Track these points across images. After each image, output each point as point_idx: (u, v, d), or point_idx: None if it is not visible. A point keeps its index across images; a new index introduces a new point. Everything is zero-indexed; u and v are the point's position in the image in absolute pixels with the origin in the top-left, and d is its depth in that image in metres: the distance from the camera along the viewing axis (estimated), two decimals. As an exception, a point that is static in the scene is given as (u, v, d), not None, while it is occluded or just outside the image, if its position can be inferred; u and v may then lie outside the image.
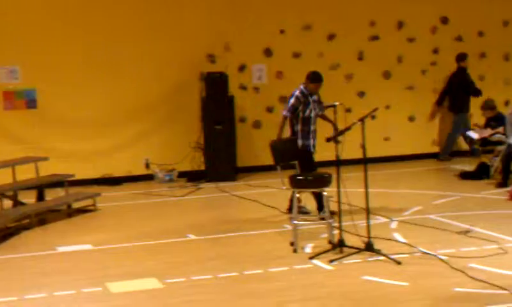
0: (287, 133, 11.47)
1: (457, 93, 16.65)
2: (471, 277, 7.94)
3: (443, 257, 8.76)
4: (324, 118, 11.50)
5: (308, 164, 10.90)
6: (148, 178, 15.92)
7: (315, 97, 11.39)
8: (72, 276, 8.92)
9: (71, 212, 12.83)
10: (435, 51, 17.24)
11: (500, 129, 14.34)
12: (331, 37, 16.78)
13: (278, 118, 16.33)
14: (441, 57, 17.27)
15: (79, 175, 14.56)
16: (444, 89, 16.95)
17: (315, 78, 11.38)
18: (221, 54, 16.24)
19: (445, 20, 17.27)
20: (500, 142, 14.17)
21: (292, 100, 11.28)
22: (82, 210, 12.96)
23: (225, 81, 15.68)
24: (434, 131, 17.30)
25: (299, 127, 11.24)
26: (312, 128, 11.30)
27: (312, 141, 11.29)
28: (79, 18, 15.56)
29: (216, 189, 14.60)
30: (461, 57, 16.87)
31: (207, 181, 15.33)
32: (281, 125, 11.31)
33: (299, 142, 11.18)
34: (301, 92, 11.31)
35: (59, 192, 13.65)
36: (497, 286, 7.55)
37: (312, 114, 11.29)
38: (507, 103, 16.69)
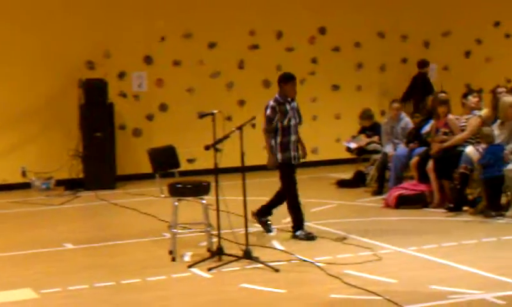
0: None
1: (418, 96, 16.80)
2: (346, 283, 8.08)
3: (320, 264, 8.88)
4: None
5: (288, 179, 10.46)
6: (25, 186, 15.59)
7: (293, 104, 10.60)
8: None
9: None
10: (313, 61, 17.51)
11: (375, 138, 14.68)
12: (211, 45, 16.83)
13: (158, 125, 16.42)
14: (320, 67, 17.56)
15: (-48, 183, 14.15)
16: (406, 91, 17.16)
17: (286, 77, 10.60)
18: (100, 60, 16.07)
19: (322, 31, 17.58)
20: (375, 151, 14.50)
21: (268, 112, 10.44)
22: (-45, 220, 12.59)
23: (104, 88, 15.51)
24: (313, 140, 17.53)
25: (278, 139, 10.39)
26: (293, 138, 10.47)
27: (292, 153, 10.47)
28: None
29: (95, 197, 14.41)
30: (423, 64, 17.48)
31: (86, 190, 15.12)
32: (267, 141, 10.46)
33: (278, 156, 10.39)
34: (275, 101, 10.47)
35: None
36: (372, 292, 7.70)
37: (292, 123, 10.46)
38: (383, 113, 17.09)
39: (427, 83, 17.33)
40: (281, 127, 10.43)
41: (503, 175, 11.15)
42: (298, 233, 10.34)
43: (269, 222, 10.81)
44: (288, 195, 10.53)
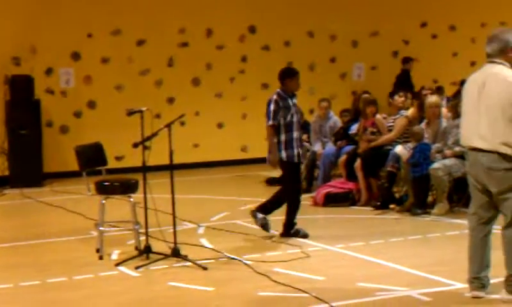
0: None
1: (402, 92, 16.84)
2: (274, 281, 8.09)
3: (248, 262, 8.88)
4: None
5: (293, 178, 10.21)
6: None
7: (295, 100, 10.28)
8: None
9: None
10: (243, 59, 17.53)
11: (305, 137, 14.74)
12: (140, 42, 16.71)
13: (86, 122, 16.23)
14: (249, 65, 17.59)
15: None
16: (393, 88, 17.20)
17: (291, 72, 10.37)
18: (26, 56, 15.82)
19: (252, 29, 17.61)
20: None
21: (271, 106, 10.10)
22: None
23: (31, 84, 15.28)
24: (243, 138, 17.57)
25: (282, 137, 10.08)
26: (295, 135, 10.10)
27: (295, 151, 10.11)
28: None
29: (20, 195, 14.19)
30: (405, 60, 18.20)
31: (11, 187, 14.88)
32: (270, 137, 10.14)
33: (284, 153, 10.07)
34: (278, 95, 10.16)
35: None
36: (300, 290, 7.73)
37: (294, 119, 10.14)
38: (311, 111, 17.17)
39: (408, 79, 17.67)
40: (284, 123, 10.10)
41: (430, 174, 11.32)
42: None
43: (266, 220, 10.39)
44: (290, 195, 10.26)
